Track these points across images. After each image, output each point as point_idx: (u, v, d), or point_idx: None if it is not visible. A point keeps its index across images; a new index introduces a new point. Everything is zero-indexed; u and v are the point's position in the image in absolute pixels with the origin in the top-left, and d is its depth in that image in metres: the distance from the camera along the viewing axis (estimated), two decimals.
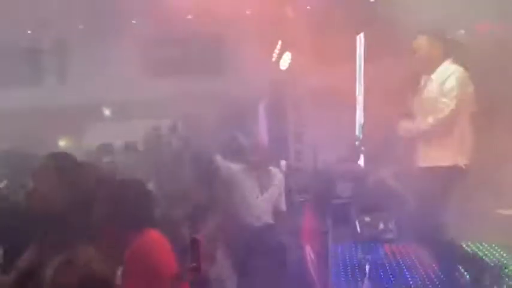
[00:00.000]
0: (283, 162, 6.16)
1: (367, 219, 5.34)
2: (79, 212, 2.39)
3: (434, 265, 4.10)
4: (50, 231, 2.36)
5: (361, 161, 7.71)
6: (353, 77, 8.56)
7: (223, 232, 3.45)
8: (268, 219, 4.21)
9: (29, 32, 9.63)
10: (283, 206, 4.43)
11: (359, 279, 4.37)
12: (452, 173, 3.57)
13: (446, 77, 3.56)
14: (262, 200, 4.23)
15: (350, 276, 4.50)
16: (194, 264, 2.19)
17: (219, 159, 4.12)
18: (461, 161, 3.59)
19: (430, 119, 3.57)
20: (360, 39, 8.35)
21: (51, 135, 9.16)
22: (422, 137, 3.71)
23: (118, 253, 2.25)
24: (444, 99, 3.50)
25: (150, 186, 3.15)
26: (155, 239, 2.37)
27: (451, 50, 3.76)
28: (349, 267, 4.66)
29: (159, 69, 10.04)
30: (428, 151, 3.69)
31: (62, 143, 9.74)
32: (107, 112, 10.78)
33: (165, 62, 9.98)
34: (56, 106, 9.35)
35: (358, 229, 5.27)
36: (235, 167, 4.24)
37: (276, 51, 6.50)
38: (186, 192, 3.84)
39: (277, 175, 4.46)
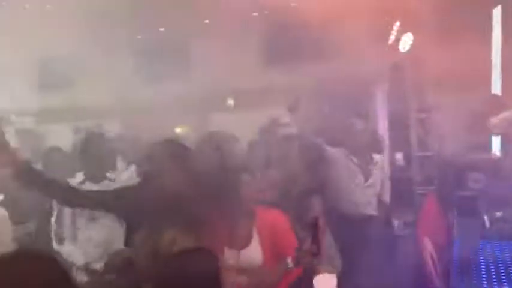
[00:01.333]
0: (399, 153, 5.80)
1: (498, 214, 4.79)
2: (192, 197, 2.53)
3: None
4: (162, 214, 2.49)
5: (496, 150, 6.93)
6: (487, 59, 7.68)
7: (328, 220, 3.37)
8: (372, 207, 4.00)
9: (161, 29, 10.55)
10: (386, 197, 4.16)
11: (484, 279, 3.94)
12: None
13: None
14: (365, 186, 4.03)
15: (474, 275, 4.08)
16: (314, 245, 2.10)
17: (325, 145, 4.04)
18: None
19: None
20: (497, 13, 7.42)
21: (175, 126, 9.92)
22: None
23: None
24: None
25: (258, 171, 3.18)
26: (278, 215, 2.45)
27: None
28: (473, 265, 4.22)
29: (277, 57, 10.21)
30: None
31: (185, 132, 10.46)
32: (230, 102, 11.30)
33: (282, 50, 10.10)
34: (181, 97, 10.08)
35: (487, 224, 4.75)
36: (338, 151, 4.11)
37: (394, 32, 6.11)
38: (294, 178, 3.83)
39: (380, 163, 4.22)
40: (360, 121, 4.45)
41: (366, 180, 4.03)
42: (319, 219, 2.19)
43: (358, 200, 3.98)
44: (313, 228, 2.14)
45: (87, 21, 8.61)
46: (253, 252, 2.27)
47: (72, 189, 2.56)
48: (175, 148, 2.69)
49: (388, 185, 4.14)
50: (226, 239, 2.37)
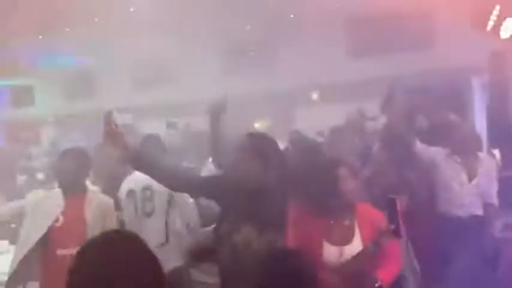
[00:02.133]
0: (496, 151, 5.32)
1: None
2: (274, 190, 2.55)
3: None
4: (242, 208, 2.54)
5: None
6: None
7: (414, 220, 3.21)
8: (476, 210, 3.69)
9: (247, 27, 10.75)
10: (494, 198, 3.78)
11: None
12: None
13: None
14: (469, 187, 3.73)
15: None
16: (393, 225, 2.09)
17: (417, 143, 3.82)
18: None
19: None
20: None
21: (259, 119, 10.07)
22: None
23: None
24: None
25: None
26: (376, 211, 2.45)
27: None
28: None
29: (363, 49, 9.92)
30: None
31: (270, 127, 10.56)
32: (314, 96, 11.22)
33: (369, 41, 9.79)
34: (267, 92, 10.20)
35: None
36: (435, 150, 3.86)
37: (493, 17, 5.60)
38: (384, 174, 3.70)
39: (487, 161, 3.87)
40: (459, 116, 4.16)
41: (471, 180, 3.71)
42: (397, 199, 2.14)
43: (461, 201, 3.69)
44: (391, 208, 2.11)
45: (176, 22, 9.07)
46: (356, 248, 2.24)
47: (175, 173, 2.65)
48: (262, 141, 2.69)
49: (495, 185, 3.73)
50: (328, 235, 2.35)
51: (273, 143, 2.69)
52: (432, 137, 4.23)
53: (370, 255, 2.24)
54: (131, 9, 9.19)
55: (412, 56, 9.04)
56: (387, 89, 3.79)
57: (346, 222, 2.39)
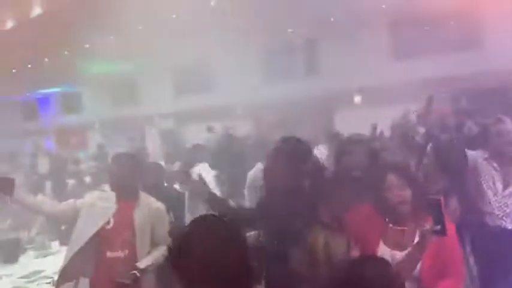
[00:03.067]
0: None
1: None
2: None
3: None
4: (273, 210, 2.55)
5: None
6: None
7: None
8: (507, 224, 3.44)
9: (290, 30, 10.73)
10: None
11: None
12: None
13: None
14: (503, 196, 3.48)
15: None
16: (438, 226, 2.06)
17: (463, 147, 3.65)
18: None
19: None
20: None
21: (304, 123, 9.98)
22: None
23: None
24: None
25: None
26: None
27: None
28: None
29: (409, 52, 9.67)
30: None
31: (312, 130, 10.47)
32: (357, 99, 11.04)
33: (414, 44, 9.54)
34: (309, 95, 10.12)
35: None
36: (476, 153, 3.64)
37: None
38: (427, 178, 3.54)
39: None
40: (506, 119, 3.92)
41: (506, 188, 3.48)
42: (438, 199, 2.06)
43: (493, 211, 3.48)
44: (436, 209, 2.05)
45: (218, 29, 9.17)
46: None
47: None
48: (296, 146, 2.69)
49: None
50: (385, 237, 2.28)
51: (306, 147, 2.70)
52: (476, 140, 4.05)
53: (414, 258, 2.17)
54: (173, 16, 9.38)
55: (460, 57, 8.73)
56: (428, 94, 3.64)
57: (405, 229, 2.29)
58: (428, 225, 2.07)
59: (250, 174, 4.56)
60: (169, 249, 1.49)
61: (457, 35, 8.95)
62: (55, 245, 4.48)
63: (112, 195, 2.88)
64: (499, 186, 3.42)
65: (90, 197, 2.95)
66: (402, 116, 7.18)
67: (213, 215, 1.70)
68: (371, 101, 10.15)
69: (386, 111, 8.03)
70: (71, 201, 2.93)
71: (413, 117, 6.65)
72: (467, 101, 7.27)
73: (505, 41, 7.39)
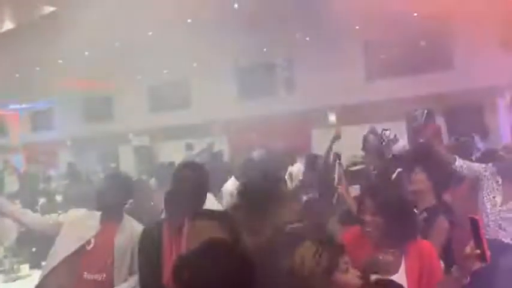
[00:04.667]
0: None
1: None
2: None
3: None
4: None
5: None
6: None
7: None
8: (502, 235, 3.50)
9: (264, 50, 10.84)
10: None
11: None
12: None
13: None
14: (500, 210, 3.57)
15: None
16: (478, 250, 1.81)
17: (457, 160, 3.72)
18: None
19: None
20: None
21: (282, 140, 10.02)
22: None
23: None
24: None
25: None
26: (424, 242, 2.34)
27: None
28: None
29: (384, 71, 9.88)
30: None
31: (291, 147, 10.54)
32: (331, 117, 11.15)
33: (389, 63, 9.76)
34: (286, 113, 10.19)
35: None
36: (480, 165, 3.73)
37: None
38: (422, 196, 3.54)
39: None
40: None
41: (504, 203, 3.55)
42: (477, 219, 1.92)
43: (487, 221, 3.56)
44: (474, 229, 1.89)
45: (195, 48, 9.19)
46: (399, 280, 2.09)
47: None
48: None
49: None
50: (373, 264, 2.22)
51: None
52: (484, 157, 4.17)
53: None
54: (149, 33, 9.35)
55: (432, 77, 8.98)
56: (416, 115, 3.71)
57: (395, 251, 2.26)
58: (469, 249, 1.83)
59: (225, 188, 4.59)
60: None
61: (428, 55, 9.21)
62: (24, 268, 4.28)
63: (96, 215, 2.78)
64: (499, 200, 3.52)
65: (74, 214, 2.85)
66: (370, 132, 7.23)
67: (220, 239, 1.71)
68: (346, 119, 10.29)
69: (360, 130, 8.18)
70: (54, 215, 2.86)
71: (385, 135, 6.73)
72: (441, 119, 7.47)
73: (474, 61, 7.64)
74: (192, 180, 2.42)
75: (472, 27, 7.05)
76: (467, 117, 7.74)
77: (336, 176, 3.56)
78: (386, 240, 2.22)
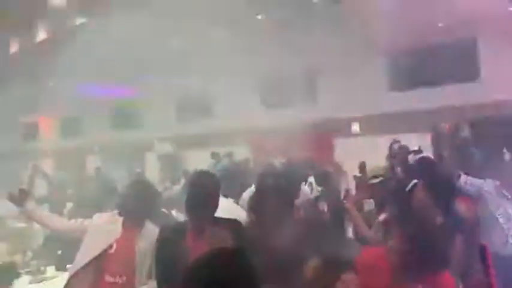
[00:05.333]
0: None
1: None
2: None
3: None
4: None
5: None
6: None
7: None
8: None
9: (288, 59, 10.88)
10: None
11: None
12: None
13: None
14: (509, 228, 3.46)
15: None
16: (486, 278, 1.83)
17: (462, 176, 3.66)
18: None
19: None
20: None
21: (304, 150, 10.01)
22: None
23: None
24: None
25: None
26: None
27: None
28: None
29: (408, 81, 9.79)
30: None
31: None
32: (354, 128, 11.10)
33: (414, 73, 9.67)
34: (309, 123, 10.19)
35: None
36: (482, 181, 3.65)
37: None
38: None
39: None
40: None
41: None
42: (487, 247, 1.88)
43: (506, 238, 3.47)
44: (482, 257, 1.84)
45: (220, 58, 9.33)
46: None
47: None
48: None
49: None
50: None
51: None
52: (484, 169, 4.06)
53: None
54: (175, 43, 9.55)
55: (459, 88, 8.86)
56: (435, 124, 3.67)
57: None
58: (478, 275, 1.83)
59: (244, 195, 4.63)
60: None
61: (455, 65, 9.09)
62: (51, 270, 4.44)
63: (119, 220, 2.89)
64: (507, 216, 3.43)
65: (98, 219, 2.96)
66: (394, 142, 7.15)
67: (230, 248, 1.77)
68: (369, 130, 10.23)
69: (383, 140, 8.10)
70: (79, 220, 2.96)
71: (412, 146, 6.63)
72: (467, 130, 7.33)
73: (501, 71, 7.51)
74: (207, 188, 2.55)
75: (499, 37, 6.96)
76: (494, 129, 7.56)
77: (342, 190, 3.52)
78: (408, 271, 2.09)
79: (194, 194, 2.53)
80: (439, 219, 2.89)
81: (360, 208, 3.65)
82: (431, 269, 2.07)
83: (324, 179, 5.27)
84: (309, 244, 2.32)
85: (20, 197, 2.89)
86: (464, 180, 3.66)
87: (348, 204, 3.40)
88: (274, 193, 2.63)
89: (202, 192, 2.50)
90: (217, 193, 2.60)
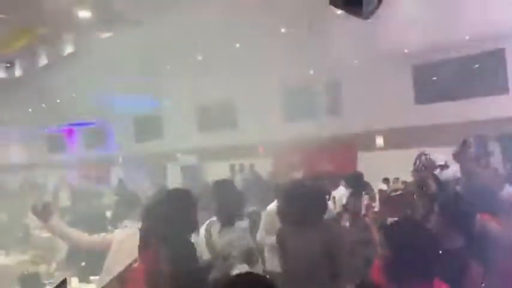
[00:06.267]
0: None
1: None
2: None
3: None
4: None
5: None
6: None
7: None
8: None
9: (311, 72, 10.86)
10: None
11: None
12: None
13: None
14: None
15: None
16: None
17: (507, 187, 3.53)
18: None
19: None
20: None
21: (327, 163, 9.94)
22: None
23: None
24: None
25: None
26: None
27: None
28: None
29: (435, 94, 9.63)
30: None
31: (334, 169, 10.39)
32: (379, 141, 10.96)
33: (440, 86, 9.51)
34: (332, 136, 10.13)
35: None
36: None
37: None
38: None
39: None
40: None
41: None
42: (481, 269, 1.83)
43: None
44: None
45: (242, 70, 9.39)
46: None
47: None
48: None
49: None
50: None
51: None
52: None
53: None
54: (199, 58, 9.67)
55: (487, 101, 8.67)
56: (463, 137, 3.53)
57: None
58: None
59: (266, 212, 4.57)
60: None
61: (483, 78, 8.91)
62: (74, 281, 4.45)
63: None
64: None
65: (122, 233, 2.95)
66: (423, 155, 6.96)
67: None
68: (393, 143, 10.07)
69: (408, 154, 7.97)
70: (102, 234, 2.96)
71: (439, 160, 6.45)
72: (492, 146, 7.14)
73: None
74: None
75: None
76: None
77: (363, 205, 3.44)
78: (394, 277, 2.02)
79: None
80: (458, 242, 2.62)
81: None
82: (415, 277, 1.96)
83: (355, 181, 5.17)
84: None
85: (44, 212, 2.85)
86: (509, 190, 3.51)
87: (368, 220, 3.32)
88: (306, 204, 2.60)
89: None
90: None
